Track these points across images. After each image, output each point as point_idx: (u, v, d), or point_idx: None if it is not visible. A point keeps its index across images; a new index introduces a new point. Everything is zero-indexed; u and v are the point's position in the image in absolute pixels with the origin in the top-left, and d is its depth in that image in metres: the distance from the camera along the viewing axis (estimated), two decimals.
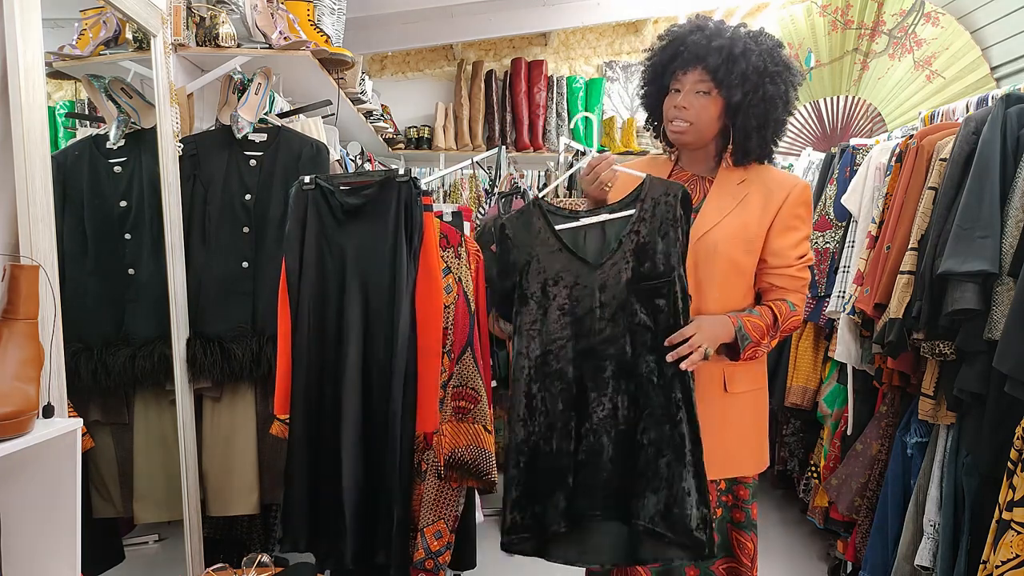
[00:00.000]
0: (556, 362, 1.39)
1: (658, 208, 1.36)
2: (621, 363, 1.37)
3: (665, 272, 1.35)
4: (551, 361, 1.39)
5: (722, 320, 1.38)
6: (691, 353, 1.31)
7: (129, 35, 2.04)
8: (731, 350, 1.42)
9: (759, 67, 1.38)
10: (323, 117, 2.59)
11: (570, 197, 3.40)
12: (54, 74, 2.07)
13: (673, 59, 1.45)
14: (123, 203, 2.00)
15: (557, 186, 3.36)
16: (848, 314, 2.15)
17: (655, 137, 1.60)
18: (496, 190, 3.20)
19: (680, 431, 1.32)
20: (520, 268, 1.42)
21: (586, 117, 4.47)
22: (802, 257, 1.47)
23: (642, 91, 1.57)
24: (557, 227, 1.41)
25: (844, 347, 2.20)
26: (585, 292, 1.38)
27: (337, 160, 2.48)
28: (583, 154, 3.40)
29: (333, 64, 2.50)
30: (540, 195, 1.54)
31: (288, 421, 1.70)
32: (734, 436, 1.47)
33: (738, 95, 1.39)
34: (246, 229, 2.04)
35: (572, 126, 4.50)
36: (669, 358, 1.32)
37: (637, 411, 1.36)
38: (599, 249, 1.40)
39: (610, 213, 1.39)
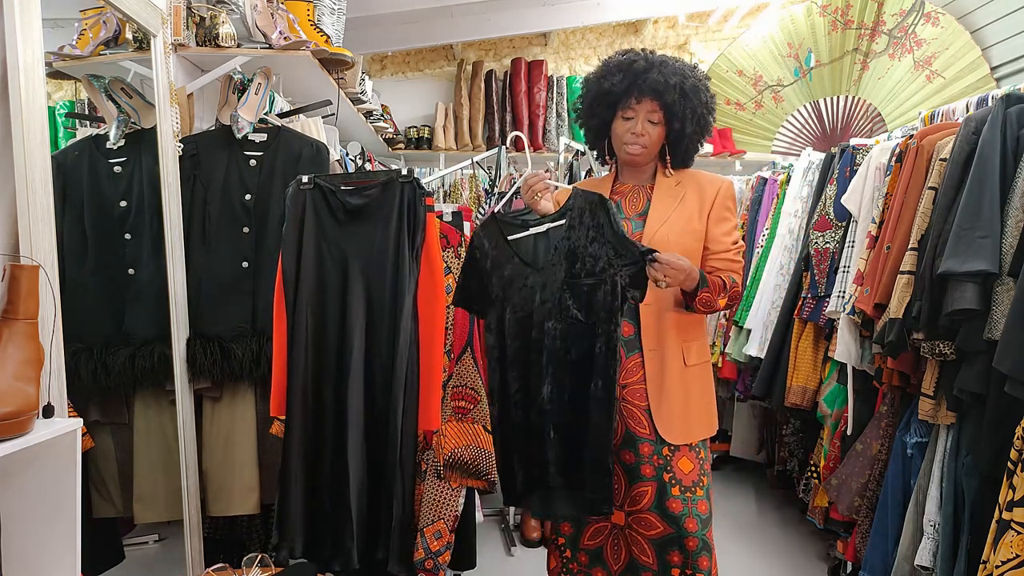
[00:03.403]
0: (513, 354, 1.60)
1: (584, 216, 1.56)
2: (555, 354, 1.56)
3: (598, 272, 1.53)
4: (509, 354, 1.60)
5: (695, 272, 1.58)
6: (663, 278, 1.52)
7: (129, 35, 2.04)
8: (687, 297, 1.61)
9: (704, 101, 1.65)
10: (323, 117, 2.59)
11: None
12: (54, 74, 2.07)
13: (629, 90, 1.63)
14: (123, 203, 2.00)
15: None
16: (848, 314, 2.15)
17: (596, 155, 1.77)
18: (496, 190, 3.20)
19: (600, 412, 1.53)
20: (487, 273, 1.61)
21: None
22: (735, 243, 1.69)
23: (587, 112, 1.74)
24: (510, 237, 1.62)
25: (844, 347, 2.20)
26: (531, 293, 1.58)
27: (337, 160, 2.48)
28: (583, 154, 3.40)
29: (333, 64, 2.50)
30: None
31: (284, 423, 1.69)
32: (695, 403, 1.68)
33: (688, 127, 1.64)
34: (246, 229, 2.04)
35: None
36: (655, 272, 1.50)
37: (565, 396, 1.56)
38: (545, 254, 1.61)
39: (551, 222, 1.60)
